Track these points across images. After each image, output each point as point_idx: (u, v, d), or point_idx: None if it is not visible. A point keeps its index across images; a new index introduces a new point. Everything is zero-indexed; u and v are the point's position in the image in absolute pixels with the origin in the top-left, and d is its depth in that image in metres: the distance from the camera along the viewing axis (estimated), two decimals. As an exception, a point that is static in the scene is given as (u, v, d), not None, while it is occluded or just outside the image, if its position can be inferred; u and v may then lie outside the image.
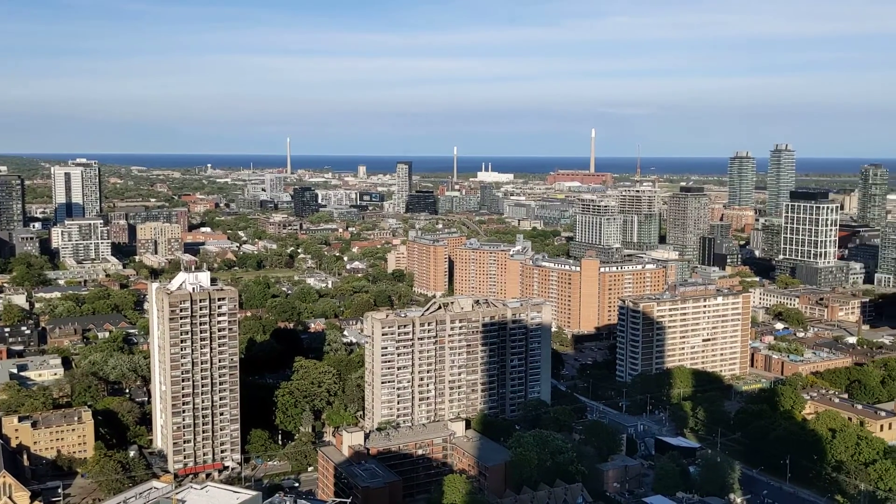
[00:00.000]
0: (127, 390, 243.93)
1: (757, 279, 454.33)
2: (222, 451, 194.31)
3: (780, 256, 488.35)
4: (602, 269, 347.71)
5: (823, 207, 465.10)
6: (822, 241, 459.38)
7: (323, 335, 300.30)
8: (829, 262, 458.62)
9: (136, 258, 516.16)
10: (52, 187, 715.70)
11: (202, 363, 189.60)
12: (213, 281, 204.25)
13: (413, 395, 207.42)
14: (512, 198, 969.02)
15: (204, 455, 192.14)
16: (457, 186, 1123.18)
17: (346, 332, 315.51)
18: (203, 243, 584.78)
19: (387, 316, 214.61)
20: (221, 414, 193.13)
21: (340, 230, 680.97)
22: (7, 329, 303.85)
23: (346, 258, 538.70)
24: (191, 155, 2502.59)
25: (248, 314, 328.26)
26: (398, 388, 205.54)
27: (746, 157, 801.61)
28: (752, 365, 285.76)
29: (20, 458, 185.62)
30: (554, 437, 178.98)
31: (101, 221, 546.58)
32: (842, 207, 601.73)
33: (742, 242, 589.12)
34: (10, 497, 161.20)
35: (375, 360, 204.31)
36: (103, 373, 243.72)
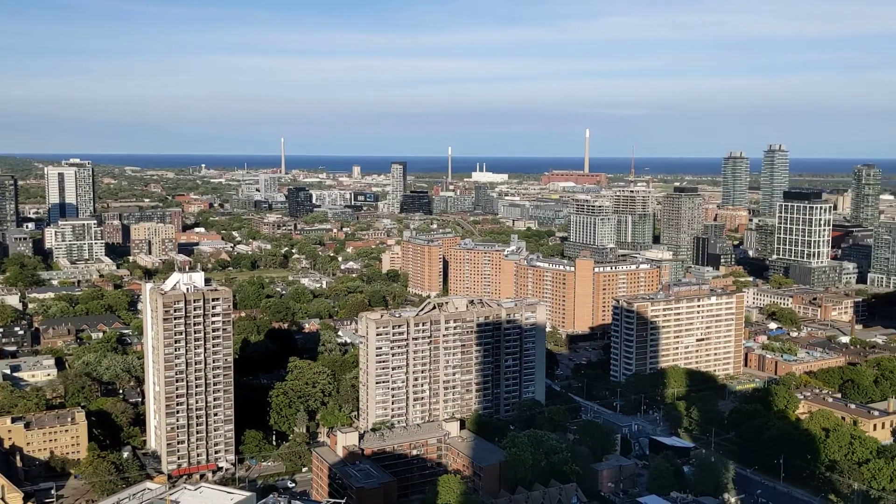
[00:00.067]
0: (120, 391, 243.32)
1: (750, 279, 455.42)
2: (216, 452, 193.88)
3: (774, 256, 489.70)
4: (596, 270, 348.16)
5: (817, 207, 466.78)
6: (815, 241, 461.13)
7: (317, 335, 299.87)
8: (822, 262, 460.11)
9: (130, 258, 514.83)
10: (45, 187, 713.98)
11: (196, 364, 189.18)
12: (208, 281, 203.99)
13: (407, 395, 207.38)
14: (506, 198, 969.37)
15: (198, 456, 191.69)
16: (451, 187, 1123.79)
17: (340, 333, 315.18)
18: (197, 243, 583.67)
19: (381, 316, 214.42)
20: (215, 414, 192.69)
21: (335, 230, 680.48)
22: (0, 330, 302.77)
23: (340, 258, 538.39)
24: (185, 155, 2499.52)
25: (243, 314, 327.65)
26: (393, 389, 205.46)
27: (740, 158, 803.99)
28: (745, 365, 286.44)
29: (13, 459, 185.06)
30: (548, 437, 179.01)
31: (95, 222, 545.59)
32: (835, 207, 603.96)
33: (736, 242, 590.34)
34: (2, 498, 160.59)
35: (370, 360, 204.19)
36: (97, 373, 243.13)
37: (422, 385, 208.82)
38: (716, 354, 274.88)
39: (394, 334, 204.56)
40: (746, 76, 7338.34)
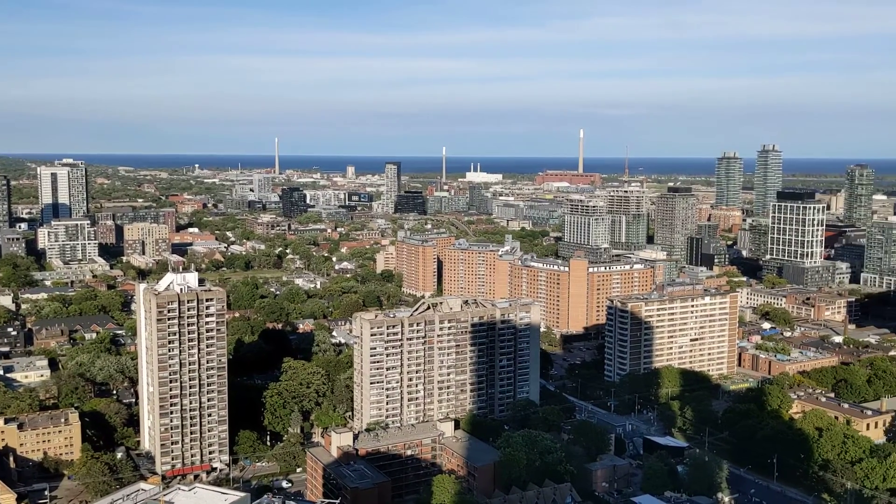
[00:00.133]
0: (114, 392, 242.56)
1: (744, 279, 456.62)
2: (210, 453, 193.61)
3: (767, 256, 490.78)
4: (590, 270, 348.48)
5: (810, 208, 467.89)
6: (808, 241, 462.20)
7: (311, 336, 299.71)
8: (815, 262, 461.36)
9: (124, 259, 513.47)
10: (38, 188, 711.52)
11: (190, 364, 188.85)
12: (201, 282, 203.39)
13: (402, 395, 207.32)
14: (501, 198, 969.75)
15: (192, 456, 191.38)
16: (445, 187, 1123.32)
17: (334, 333, 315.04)
18: (191, 244, 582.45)
19: (375, 316, 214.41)
20: (209, 415, 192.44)
21: (329, 230, 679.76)
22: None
23: (334, 259, 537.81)
24: (178, 155, 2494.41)
25: (237, 315, 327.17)
26: (387, 389, 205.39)
27: (734, 158, 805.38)
28: (739, 364, 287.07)
29: (6, 460, 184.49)
30: (543, 436, 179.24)
31: (88, 222, 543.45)
32: (828, 208, 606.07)
33: (729, 242, 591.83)
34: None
35: (364, 360, 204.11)
36: (90, 374, 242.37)
37: (416, 385, 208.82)
38: (710, 354, 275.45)
39: (388, 334, 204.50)
40: (742, 76, 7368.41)
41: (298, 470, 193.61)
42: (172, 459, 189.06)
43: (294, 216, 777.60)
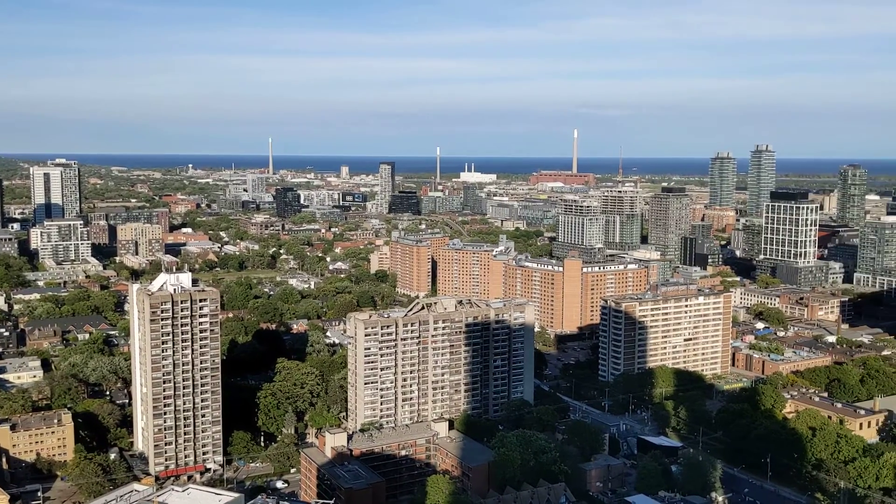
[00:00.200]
0: (107, 392, 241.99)
1: (738, 279, 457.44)
2: (204, 453, 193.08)
3: (761, 256, 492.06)
4: (584, 270, 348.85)
5: (803, 208, 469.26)
6: (802, 241, 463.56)
7: (305, 336, 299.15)
8: (808, 262, 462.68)
9: (117, 259, 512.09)
10: (30, 188, 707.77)
11: (183, 365, 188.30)
12: (195, 282, 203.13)
13: (396, 395, 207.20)
14: (495, 198, 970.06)
15: (185, 457, 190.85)
16: (440, 187, 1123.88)
17: (328, 333, 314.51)
18: (184, 244, 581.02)
19: (370, 317, 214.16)
20: (203, 416, 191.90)
21: (323, 231, 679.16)
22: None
23: (328, 259, 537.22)
24: (172, 155, 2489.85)
25: (230, 315, 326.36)
26: (381, 389, 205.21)
27: (727, 158, 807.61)
28: (733, 364, 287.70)
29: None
30: (537, 436, 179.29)
31: (81, 222, 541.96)
32: (821, 208, 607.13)
33: (723, 242, 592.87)
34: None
35: (358, 361, 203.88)
36: (83, 375, 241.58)
37: (410, 385, 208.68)
38: (703, 354, 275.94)
39: (382, 335, 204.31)
40: (740, 77, 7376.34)
41: (293, 470, 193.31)
42: (166, 460, 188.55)
43: (288, 216, 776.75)
